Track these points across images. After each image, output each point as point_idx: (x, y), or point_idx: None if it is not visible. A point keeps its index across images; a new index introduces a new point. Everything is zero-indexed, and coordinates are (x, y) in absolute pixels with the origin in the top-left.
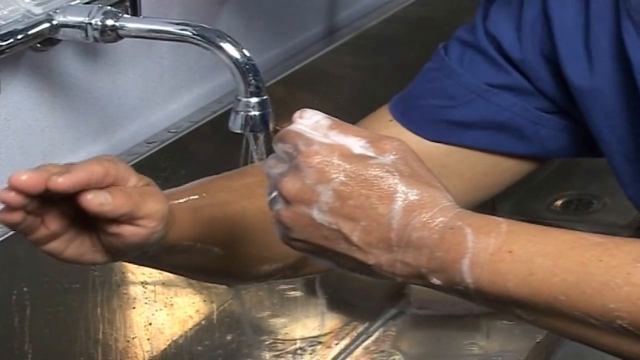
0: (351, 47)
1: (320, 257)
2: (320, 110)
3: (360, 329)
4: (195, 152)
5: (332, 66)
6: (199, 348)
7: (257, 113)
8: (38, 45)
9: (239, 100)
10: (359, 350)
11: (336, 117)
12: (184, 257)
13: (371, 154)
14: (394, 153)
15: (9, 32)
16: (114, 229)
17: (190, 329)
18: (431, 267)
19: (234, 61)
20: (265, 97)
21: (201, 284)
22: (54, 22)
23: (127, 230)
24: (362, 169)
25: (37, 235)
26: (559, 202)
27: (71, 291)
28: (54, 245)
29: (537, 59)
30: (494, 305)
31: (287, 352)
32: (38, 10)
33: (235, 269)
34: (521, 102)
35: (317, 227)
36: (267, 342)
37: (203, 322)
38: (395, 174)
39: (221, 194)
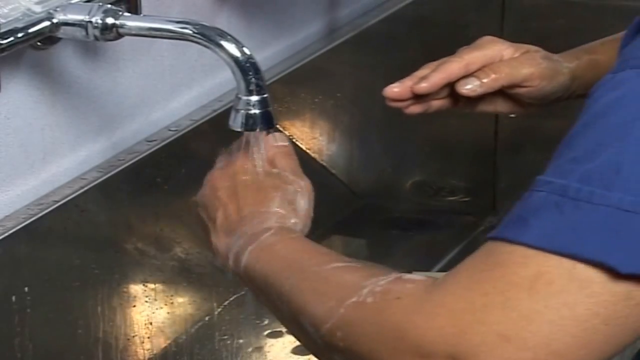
0: (351, 45)
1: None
2: (320, 109)
3: None
4: (196, 150)
5: (332, 64)
6: (200, 346)
7: (257, 111)
8: (38, 43)
9: (240, 98)
10: None
11: (336, 115)
12: None
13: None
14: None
15: (10, 30)
16: (509, 90)
17: (191, 327)
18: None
19: (235, 59)
20: (265, 96)
21: (201, 282)
22: (55, 21)
23: (519, 90)
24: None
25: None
26: None
27: (71, 290)
28: (467, 107)
29: None
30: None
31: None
32: (38, 9)
33: None
34: None
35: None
36: (268, 341)
37: (204, 321)
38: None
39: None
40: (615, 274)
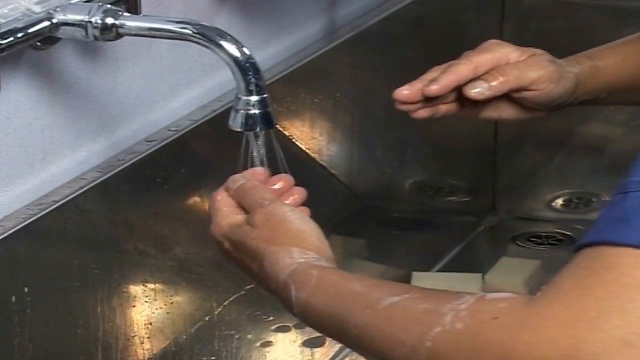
0: (351, 45)
1: None
2: (320, 109)
3: None
4: (196, 150)
5: (332, 64)
6: (200, 347)
7: (257, 111)
8: (38, 43)
9: (239, 98)
10: None
11: (336, 115)
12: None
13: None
14: (260, 219)
15: (9, 30)
16: (516, 94)
17: (191, 327)
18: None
19: (234, 59)
20: (265, 96)
21: (201, 281)
22: (54, 21)
23: (526, 94)
24: (239, 238)
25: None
26: (559, 201)
27: (71, 290)
28: (472, 112)
29: None
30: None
31: (289, 350)
32: (38, 9)
33: None
34: None
35: None
36: (276, 336)
37: (204, 321)
38: (255, 239)
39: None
40: None
